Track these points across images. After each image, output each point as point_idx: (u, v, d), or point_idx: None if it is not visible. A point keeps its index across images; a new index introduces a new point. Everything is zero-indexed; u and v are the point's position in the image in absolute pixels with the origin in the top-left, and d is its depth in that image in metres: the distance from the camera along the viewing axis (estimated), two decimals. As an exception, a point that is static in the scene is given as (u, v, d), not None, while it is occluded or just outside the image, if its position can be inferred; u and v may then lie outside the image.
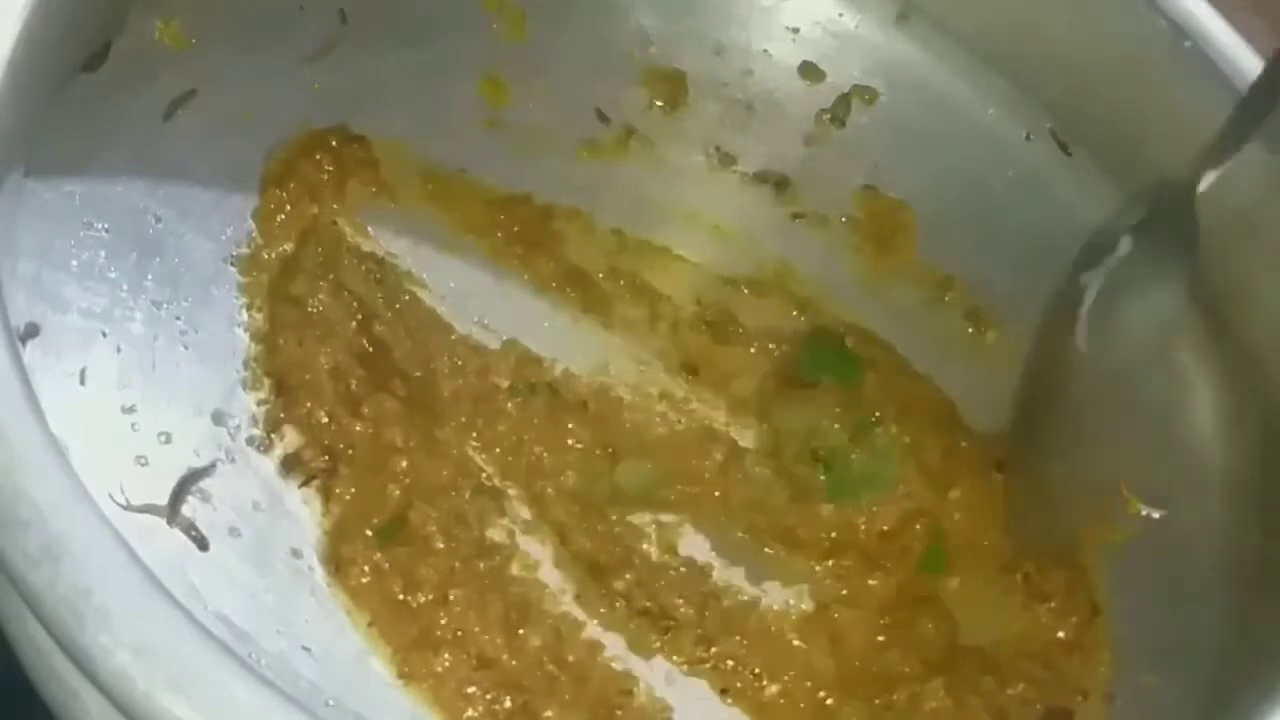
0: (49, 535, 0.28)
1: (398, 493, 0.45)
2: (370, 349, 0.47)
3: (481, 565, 0.45)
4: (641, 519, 0.49)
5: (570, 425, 0.50)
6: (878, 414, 0.52)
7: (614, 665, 0.45)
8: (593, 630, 0.46)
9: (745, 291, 0.54)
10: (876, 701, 0.46)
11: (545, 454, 0.49)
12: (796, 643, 0.47)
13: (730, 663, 0.47)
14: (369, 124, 0.50)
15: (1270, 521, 0.44)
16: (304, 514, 0.44)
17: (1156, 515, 0.47)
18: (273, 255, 0.47)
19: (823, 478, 0.50)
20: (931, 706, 0.45)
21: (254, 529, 0.42)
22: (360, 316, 0.48)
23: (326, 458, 0.45)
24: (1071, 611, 0.47)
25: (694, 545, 0.49)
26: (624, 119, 0.53)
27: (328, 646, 0.41)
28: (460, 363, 0.49)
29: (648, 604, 0.47)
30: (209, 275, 0.45)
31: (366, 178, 0.50)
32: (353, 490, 0.45)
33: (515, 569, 0.47)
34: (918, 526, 0.50)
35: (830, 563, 0.49)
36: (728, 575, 0.49)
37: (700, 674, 0.46)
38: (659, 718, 0.45)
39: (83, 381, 0.40)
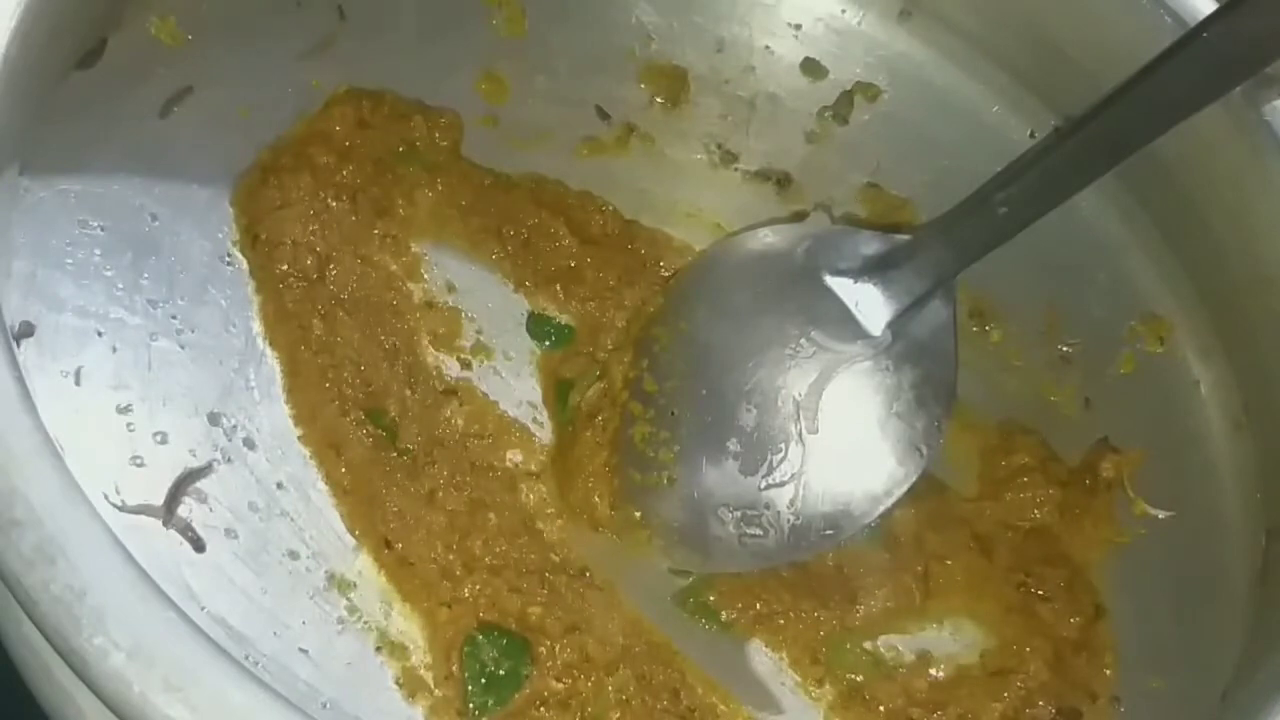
0: (44, 536, 0.28)
1: None
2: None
3: None
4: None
5: None
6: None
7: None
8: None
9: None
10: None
11: None
12: None
13: None
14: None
15: (1276, 523, 0.44)
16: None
17: (1162, 516, 0.47)
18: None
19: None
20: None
21: (251, 530, 0.42)
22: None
23: None
24: (1074, 611, 0.47)
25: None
26: (624, 116, 0.53)
27: (325, 648, 0.41)
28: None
29: None
30: (205, 274, 0.45)
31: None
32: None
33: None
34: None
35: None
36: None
37: None
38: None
39: (78, 381, 0.40)
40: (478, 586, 0.44)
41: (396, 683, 0.42)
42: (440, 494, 0.46)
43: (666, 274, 0.53)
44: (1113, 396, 0.50)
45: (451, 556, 0.45)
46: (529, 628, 0.44)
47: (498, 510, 0.46)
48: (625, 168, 0.53)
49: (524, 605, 0.45)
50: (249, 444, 0.43)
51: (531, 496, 0.48)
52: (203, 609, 0.39)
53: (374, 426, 0.46)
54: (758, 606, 0.47)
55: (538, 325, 0.51)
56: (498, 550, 0.46)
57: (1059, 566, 0.48)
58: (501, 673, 0.43)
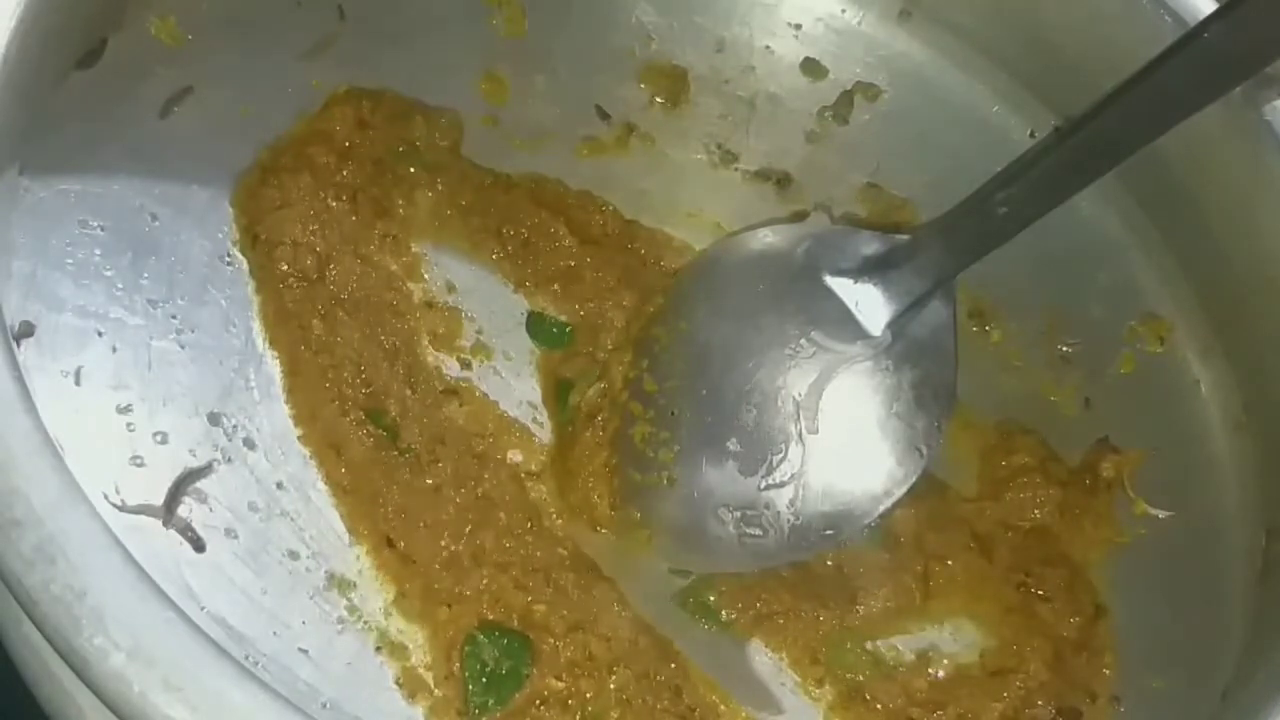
0: (44, 536, 0.28)
1: None
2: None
3: None
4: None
5: None
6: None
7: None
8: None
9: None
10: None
11: None
12: None
13: None
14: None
15: (1276, 523, 0.44)
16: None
17: (1162, 516, 0.47)
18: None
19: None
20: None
21: (251, 530, 0.42)
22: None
23: None
24: (1074, 611, 0.47)
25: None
26: (624, 116, 0.53)
27: (325, 648, 0.41)
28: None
29: None
30: (205, 274, 0.45)
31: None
32: None
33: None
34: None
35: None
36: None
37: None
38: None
39: (78, 381, 0.40)
40: (484, 582, 0.44)
41: (396, 683, 0.42)
42: (446, 490, 0.46)
43: (667, 274, 0.53)
44: (1113, 396, 0.50)
45: (458, 549, 0.45)
46: (533, 625, 0.44)
47: (505, 507, 0.46)
48: (625, 168, 0.53)
49: (529, 602, 0.45)
50: (249, 444, 0.43)
51: (532, 495, 0.48)
52: (203, 609, 0.39)
53: (374, 426, 0.46)
54: (758, 606, 0.47)
55: (538, 325, 0.51)
56: (505, 546, 0.46)
57: (1059, 566, 0.48)
58: (502, 672, 0.43)
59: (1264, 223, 0.45)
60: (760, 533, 0.47)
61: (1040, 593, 0.47)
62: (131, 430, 0.41)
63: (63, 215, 0.41)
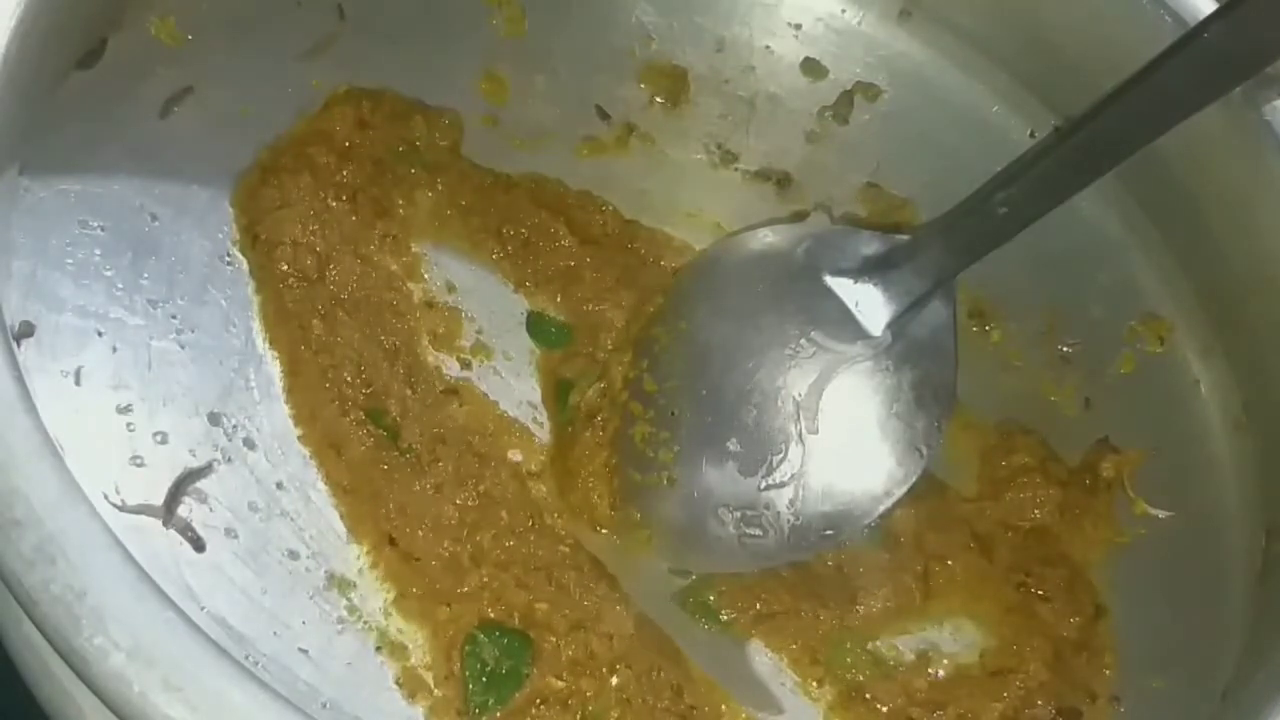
0: (44, 536, 0.28)
1: None
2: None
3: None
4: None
5: None
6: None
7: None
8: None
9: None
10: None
11: None
12: None
13: None
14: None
15: (1276, 523, 0.44)
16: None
17: (1162, 516, 0.47)
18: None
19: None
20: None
21: (251, 530, 0.42)
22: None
23: None
24: (1074, 611, 0.47)
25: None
26: (624, 116, 0.53)
27: (325, 648, 0.41)
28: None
29: None
30: (205, 274, 0.45)
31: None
32: None
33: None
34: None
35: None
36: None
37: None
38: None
39: (78, 381, 0.40)
40: (485, 580, 0.44)
41: (396, 683, 0.42)
42: (447, 489, 0.46)
43: (667, 274, 0.53)
44: (1113, 396, 0.50)
45: (459, 548, 0.45)
46: (534, 624, 0.44)
47: (507, 505, 0.46)
48: (625, 168, 0.53)
49: (530, 601, 0.45)
50: (249, 444, 0.43)
51: (533, 494, 0.48)
52: (203, 609, 0.39)
53: (374, 426, 0.46)
54: (758, 606, 0.47)
55: (537, 325, 0.51)
56: (506, 544, 0.46)
57: (1059, 566, 0.48)
58: (502, 672, 0.43)
59: (1264, 223, 0.44)
60: (760, 533, 0.47)
61: (1040, 593, 0.47)
62: (131, 430, 0.41)
63: (63, 215, 0.41)
